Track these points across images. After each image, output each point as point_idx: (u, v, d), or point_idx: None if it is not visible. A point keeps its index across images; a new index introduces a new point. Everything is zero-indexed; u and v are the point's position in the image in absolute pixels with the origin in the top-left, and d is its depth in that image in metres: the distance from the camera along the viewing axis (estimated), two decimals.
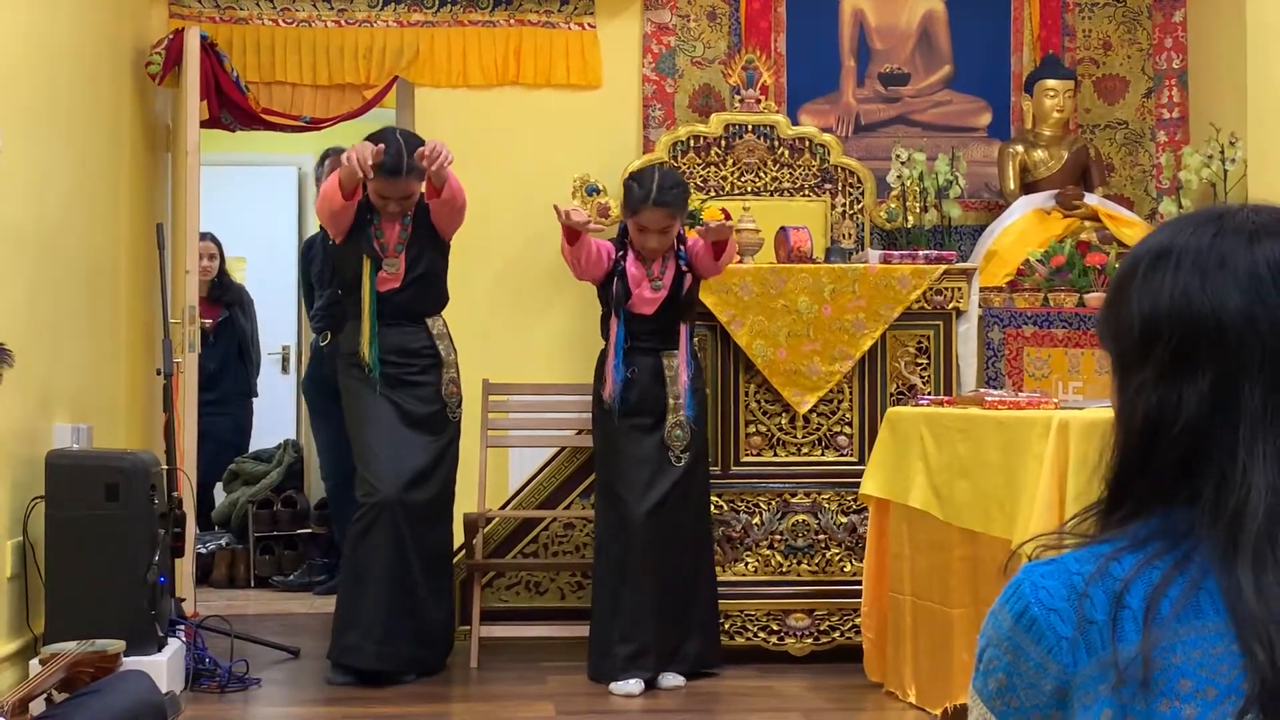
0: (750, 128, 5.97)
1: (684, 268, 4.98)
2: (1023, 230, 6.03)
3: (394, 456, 4.94)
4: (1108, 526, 1.23)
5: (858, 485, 4.92)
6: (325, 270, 6.50)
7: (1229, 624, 1.13)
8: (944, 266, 5.39)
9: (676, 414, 4.92)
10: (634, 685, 4.76)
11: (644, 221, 4.91)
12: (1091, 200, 6.13)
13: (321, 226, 6.70)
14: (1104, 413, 3.75)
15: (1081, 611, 1.16)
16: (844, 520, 5.32)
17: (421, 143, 4.91)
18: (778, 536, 5.30)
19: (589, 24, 6.25)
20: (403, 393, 5.00)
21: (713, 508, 5.19)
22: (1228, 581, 1.14)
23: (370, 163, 4.76)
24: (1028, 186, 6.24)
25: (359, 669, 4.87)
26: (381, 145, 4.84)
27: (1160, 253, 1.24)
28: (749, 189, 5.96)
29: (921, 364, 5.39)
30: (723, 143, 5.96)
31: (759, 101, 6.00)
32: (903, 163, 6.02)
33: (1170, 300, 1.21)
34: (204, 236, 7.19)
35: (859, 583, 4.95)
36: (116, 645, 3.63)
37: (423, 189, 5.01)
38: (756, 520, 5.30)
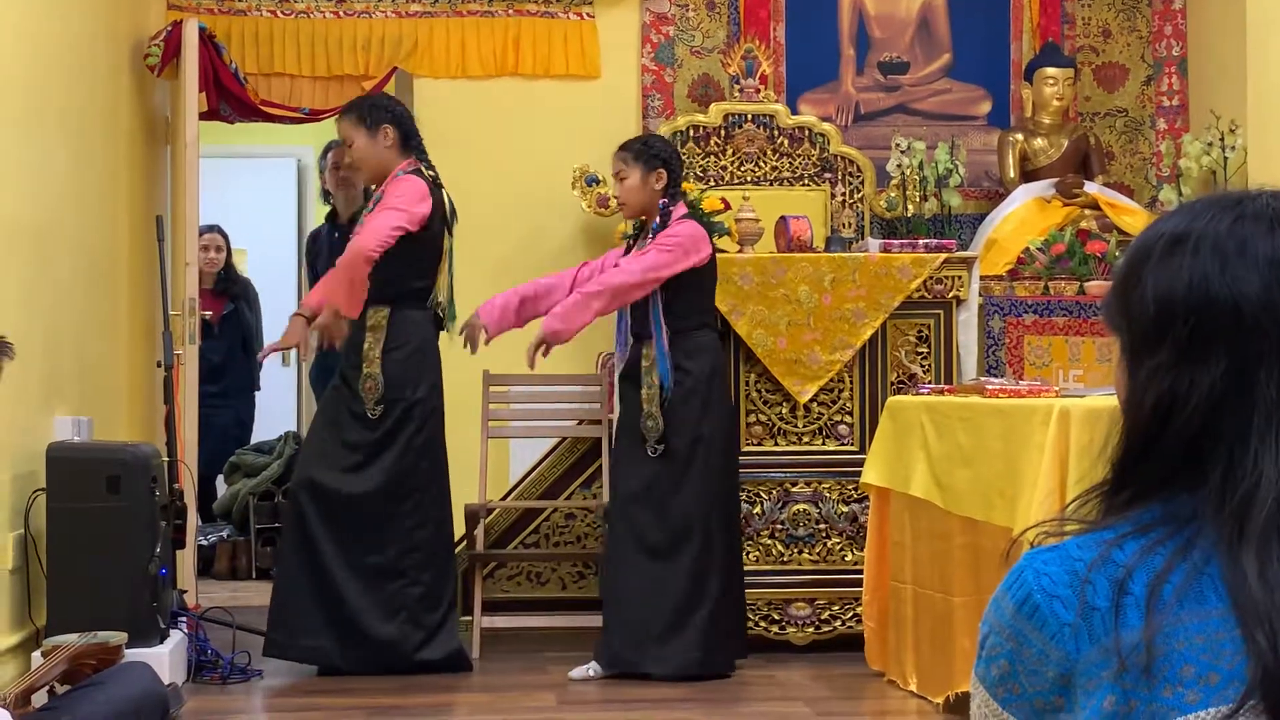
0: (750, 117, 5.96)
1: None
2: (1023, 219, 6.03)
3: (312, 448, 5.01)
4: (1110, 510, 1.23)
5: (859, 474, 4.92)
6: (330, 262, 6.52)
7: (1231, 610, 1.13)
8: (944, 255, 5.38)
9: (650, 404, 4.89)
10: (579, 671, 4.81)
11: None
12: (1091, 188, 6.12)
13: (326, 219, 6.73)
14: (1105, 400, 3.75)
15: (1084, 598, 1.16)
16: (845, 509, 5.32)
17: (386, 104, 5.09)
18: (779, 526, 5.31)
19: (587, 14, 6.24)
20: (346, 387, 4.98)
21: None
22: (1232, 569, 1.14)
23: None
24: (1028, 175, 6.24)
25: (281, 659, 4.91)
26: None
27: (1178, 236, 1.22)
28: (749, 178, 5.96)
29: (922, 353, 5.39)
30: (722, 132, 5.95)
31: (758, 91, 5.99)
32: (902, 151, 6.01)
33: (1188, 284, 1.20)
34: (211, 229, 7.20)
35: (860, 572, 4.95)
36: (118, 637, 3.63)
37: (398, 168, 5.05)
38: (757, 510, 5.29)
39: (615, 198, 5.05)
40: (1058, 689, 1.16)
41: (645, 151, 5.00)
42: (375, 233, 4.83)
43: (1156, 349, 1.21)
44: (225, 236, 7.44)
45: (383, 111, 5.04)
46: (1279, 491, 1.15)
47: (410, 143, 5.06)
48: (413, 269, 4.97)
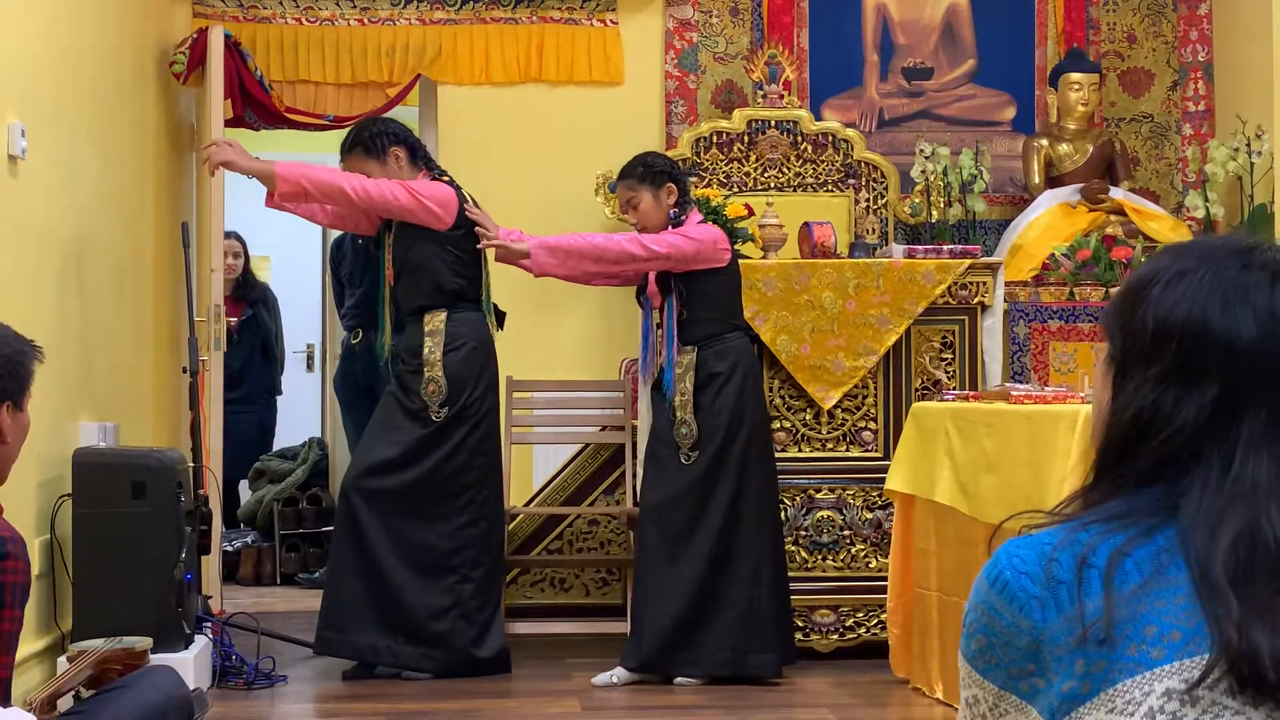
0: (773, 123, 5.96)
1: None
2: (1048, 224, 6.01)
3: (364, 448, 5.04)
4: (1086, 505, 1.33)
5: (883, 481, 4.91)
6: (355, 269, 6.54)
7: (1190, 579, 1.22)
8: (969, 261, 5.37)
9: (683, 410, 4.89)
10: (603, 677, 4.81)
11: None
12: (1117, 194, 6.10)
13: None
14: None
15: (1050, 573, 1.26)
16: (869, 516, 5.30)
17: (385, 129, 5.05)
18: (803, 532, 5.29)
19: (611, 20, 6.24)
20: (401, 390, 5.02)
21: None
22: (1202, 550, 1.22)
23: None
24: (1052, 180, 6.22)
25: (333, 655, 4.96)
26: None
27: (1185, 270, 1.32)
28: (772, 185, 5.95)
29: (946, 359, 5.37)
30: (746, 138, 5.95)
31: (782, 97, 5.99)
32: (926, 157, 6.00)
33: (1188, 313, 1.30)
34: (229, 235, 7.20)
35: (885, 578, 4.94)
36: (144, 642, 3.63)
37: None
38: (781, 516, 5.28)
39: (633, 225, 5.02)
40: (1029, 656, 1.26)
41: (649, 171, 4.99)
42: (369, 181, 4.92)
43: (1148, 366, 1.31)
44: (242, 242, 7.45)
45: (385, 137, 5.05)
46: (1265, 497, 1.24)
47: (418, 155, 5.11)
48: (457, 270, 5.03)
